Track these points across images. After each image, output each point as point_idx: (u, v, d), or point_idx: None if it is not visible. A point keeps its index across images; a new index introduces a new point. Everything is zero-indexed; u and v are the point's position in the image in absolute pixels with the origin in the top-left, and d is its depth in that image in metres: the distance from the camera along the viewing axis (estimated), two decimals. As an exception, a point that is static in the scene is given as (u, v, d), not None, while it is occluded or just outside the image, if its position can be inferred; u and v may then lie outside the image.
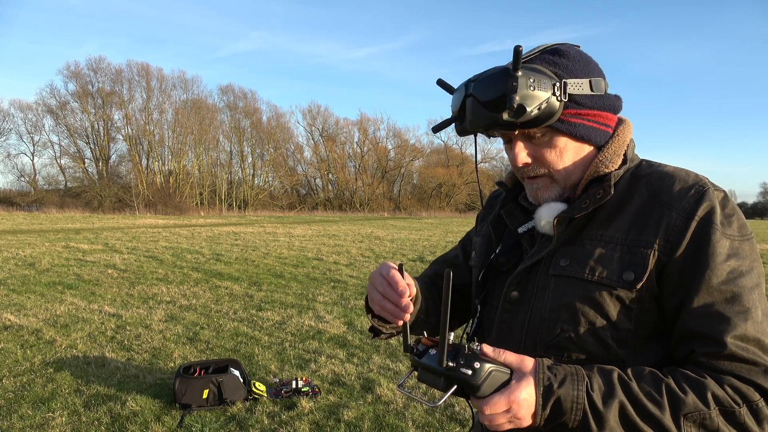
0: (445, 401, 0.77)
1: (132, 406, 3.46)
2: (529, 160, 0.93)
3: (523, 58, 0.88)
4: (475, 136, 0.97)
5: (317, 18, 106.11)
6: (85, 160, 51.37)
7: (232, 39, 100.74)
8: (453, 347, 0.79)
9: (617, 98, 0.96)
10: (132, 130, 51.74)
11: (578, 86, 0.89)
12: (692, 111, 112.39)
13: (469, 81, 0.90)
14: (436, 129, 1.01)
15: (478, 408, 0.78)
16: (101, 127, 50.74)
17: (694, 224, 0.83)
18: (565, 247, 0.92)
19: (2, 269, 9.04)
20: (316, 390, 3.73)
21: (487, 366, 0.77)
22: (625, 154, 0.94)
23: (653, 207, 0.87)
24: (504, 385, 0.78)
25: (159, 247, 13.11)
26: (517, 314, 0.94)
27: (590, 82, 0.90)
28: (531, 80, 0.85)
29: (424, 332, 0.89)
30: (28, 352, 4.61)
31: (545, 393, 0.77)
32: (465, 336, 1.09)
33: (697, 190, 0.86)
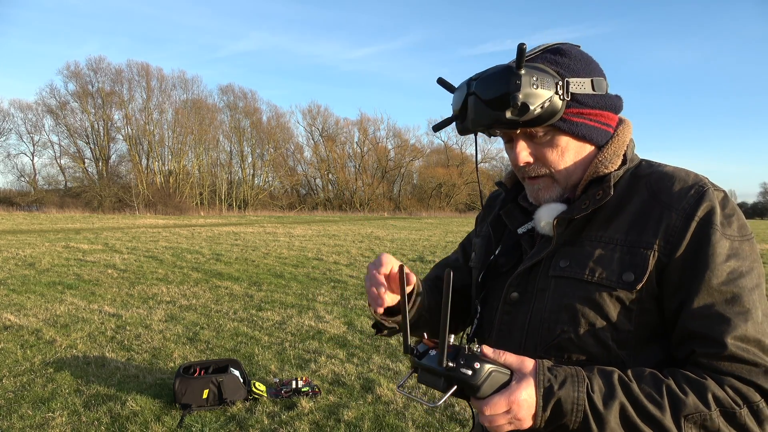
0: (445, 402, 0.77)
1: (132, 406, 3.46)
2: (530, 159, 0.92)
3: (525, 57, 0.87)
4: (476, 135, 0.97)
5: (317, 18, 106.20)
6: (85, 160, 51.43)
7: (232, 39, 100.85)
8: (453, 348, 0.79)
9: (618, 98, 0.95)
10: (132, 130, 51.80)
11: (580, 85, 0.89)
12: (692, 111, 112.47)
13: (471, 79, 0.90)
14: (437, 128, 1.00)
15: (478, 409, 0.78)
16: (101, 127, 50.79)
17: (694, 225, 0.83)
18: (564, 248, 0.92)
19: (2, 269, 9.04)
20: (316, 390, 3.73)
21: (488, 366, 0.77)
22: (624, 155, 0.94)
23: (653, 207, 0.87)
24: (504, 386, 0.77)
25: (159, 247, 13.12)
26: (518, 315, 0.94)
27: (592, 81, 0.90)
28: (534, 78, 0.84)
29: (425, 333, 0.89)
30: (28, 352, 4.61)
31: (546, 394, 0.76)
32: (465, 337, 1.09)
33: (697, 190, 0.85)
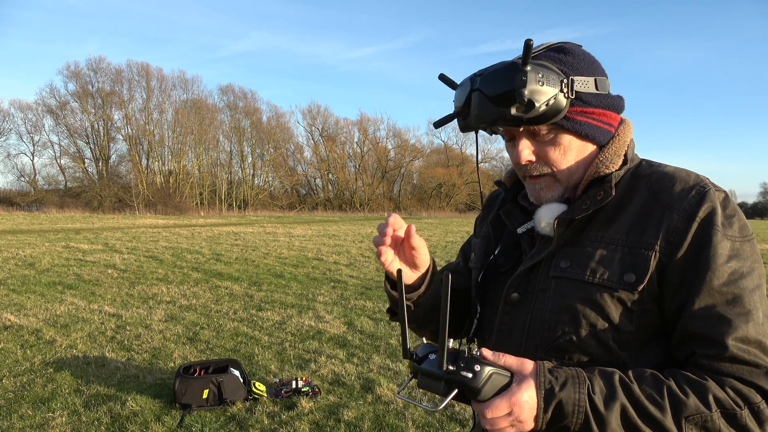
0: (445, 406, 0.76)
1: (132, 406, 3.46)
2: (533, 158, 0.92)
3: (531, 54, 0.87)
4: (476, 133, 0.96)
5: (317, 18, 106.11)
6: (85, 160, 51.41)
7: (232, 39, 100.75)
8: (452, 351, 0.78)
9: (620, 98, 0.95)
10: (132, 130, 51.78)
11: (584, 84, 0.89)
12: (692, 110, 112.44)
13: (475, 75, 0.89)
14: (438, 124, 0.99)
15: (479, 412, 0.77)
16: (101, 127, 50.77)
17: (695, 225, 0.83)
18: (565, 248, 0.91)
19: (2, 269, 9.04)
20: (316, 390, 3.73)
21: (488, 369, 0.76)
22: (625, 155, 0.93)
23: (654, 208, 0.86)
24: (504, 388, 0.77)
25: (159, 247, 13.12)
26: (518, 316, 0.94)
27: (595, 80, 0.90)
28: (540, 75, 0.84)
29: (423, 339, 0.88)
30: (28, 352, 4.61)
31: (546, 396, 0.76)
32: (465, 337, 1.09)
33: (698, 190, 0.85)
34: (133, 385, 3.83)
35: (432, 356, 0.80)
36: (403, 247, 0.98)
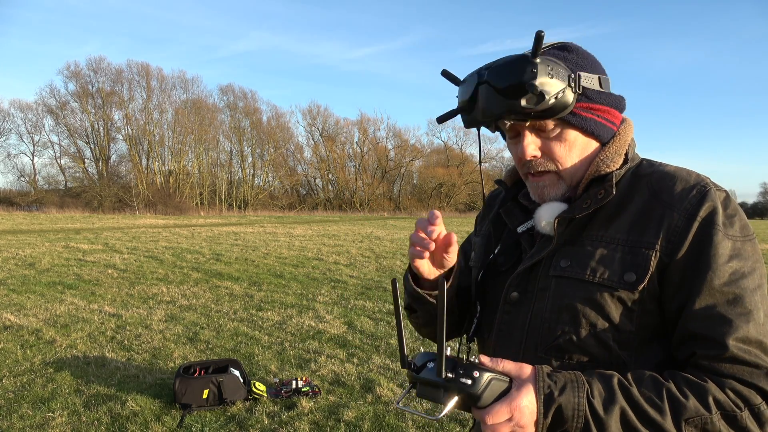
0: (446, 414, 0.76)
1: (132, 406, 3.46)
2: (538, 153, 0.91)
3: (541, 46, 0.86)
4: (479, 131, 0.96)
5: (317, 18, 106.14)
6: (85, 160, 51.42)
7: (232, 39, 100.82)
8: (450, 359, 0.78)
9: (622, 98, 0.95)
10: (132, 130, 51.79)
11: (590, 80, 0.88)
12: (692, 110, 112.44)
13: (482, 69, 0.88)
14: (441, 119, 0.98)
15: (480, 419, 0.76)
16: (101, 127, 50.78)
17: (696, 225, 0.82)
18: (565, 247, 0.91)
19: (2, 269, 9.04)
20: (316, 390, 3.73)
21: (487, 375, 0.76)
22: (626, 154, 0.93)
23: (654, 207, 0.86)
24: (504, 394, 0.77)
25: (159, 247, 13.11)
26: (518, 315, 0.93)
27: (599, 78, 0.90)
28: (549, 68, 0.83)
29: (421, 348, 0.88)
30: (28, 352, 4.61)
31: (546, 401, 0.76)
32: (464, 336, 1.08)
33: (699, 190, 0.85)
34: (133, 385, 3.83)
35: (430, 364, 0.79)
36: (436, 249, 0.93)
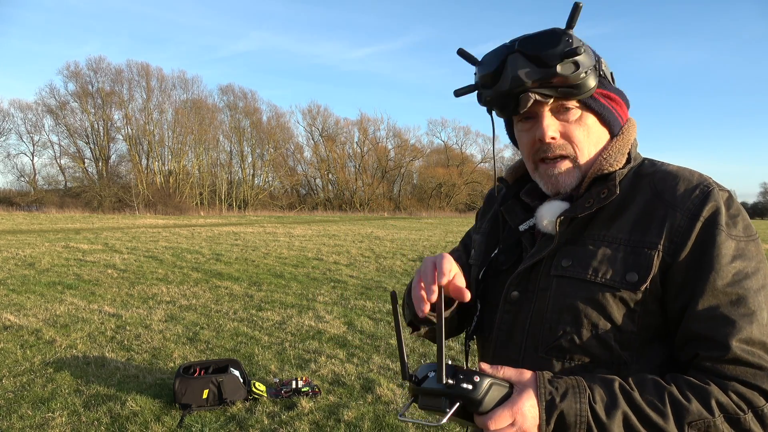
0: (448, 420, 0.75)
1: (132, 406, 3.45)
2: (557, 135, 0.89)
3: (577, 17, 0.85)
4: (491, 113, 0.95)
5: (317, 18, 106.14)
6: (85, 160, 51.41)
7: (232, 39, 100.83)
8: (451, 366, 0.78)
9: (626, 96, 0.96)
10: (132, 130, 51.78)
11: (607, 69, 0.89)
12: (692, 110, 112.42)
13: (512, 40, 0.87)
14: (459, 92, 0.95)
15: (482, 425, 0.76)
16: (101, 127, 50.77)
17: (699, 225, 0.82)
18: (566, 246, 0.90)
19: (2, 269, 9.03)
20: (316, 390, 3.73)
21: (487, 380, 0.76)
22: (629, 153, 0.93)
23: (657, 207, 0.85)
24: (505, 399, 0.76)
25: (159, 247, 13.11)
26: (518, 315, 0.92)
27: (611, 72, 0.90)
28: (581, 42, 0.83)
29: (422, 360, 0.87)
30: (28, 352, 4.61)
31: (548, 408, 0.75)
32: (464, 334, 1.08)
33: (702, 190, 0.84)
34: (133, 385, 3.83)
35: (431, 374, 0.79)
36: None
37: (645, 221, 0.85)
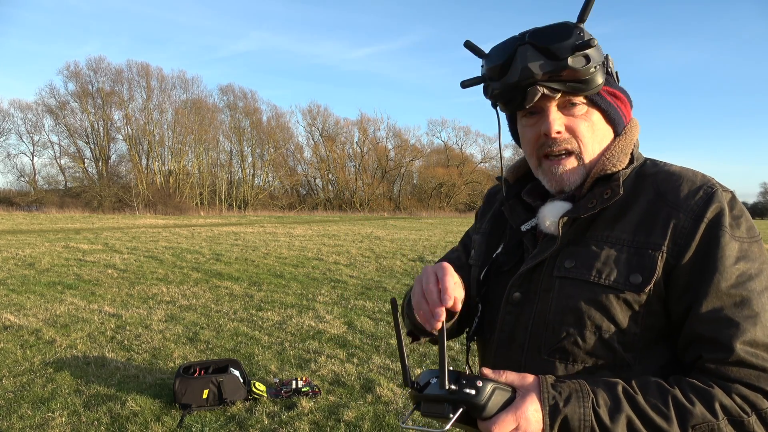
0: (451, 425, 0.75)
1: (132, 406, 3.45)
2: (562, 129, 0.88)
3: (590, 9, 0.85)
4: (496, 108, 0.94)
5: (317, 18, 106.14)
6: (85, 160, 51.40)
7: (232, 39, 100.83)
8: (453, 372, 0.78)
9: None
10: (132, 130, 51.77)
11: (613, 67, 0.89)
12: (692, 110, 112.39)
13: (523, 32, 0.86)
14: (466, 84, 0.94)
15: (486, 431, 0.75)
16: (101, 127, 50.76)
17: (703, 226, 0.81)
18: (569, 247, 0.89)
19: (2, 269, 9.03)
20: (316, 390, 3.72)
21: (490, 384, 0.76)
22: (631, 153, 0.92)
23: (660, 208, 0.85)
24: (508, 403, 0.76)
25: (159, 247, 13.11)
26: (520, 316, 0.92)
27: (616, 72, 0.90)
28: (592, 37, 0.82)
29: (423, 367, 0.87)
30: (28, 352, 4.60)
31: (552, 412, 0.75)
32: (465, 335, 1.07)
33: (706, 191, 0.84)
34: (133, 385, 3.83)
35: (434, 380, 0.78)
36: None
37: (648, 222, 0.85)
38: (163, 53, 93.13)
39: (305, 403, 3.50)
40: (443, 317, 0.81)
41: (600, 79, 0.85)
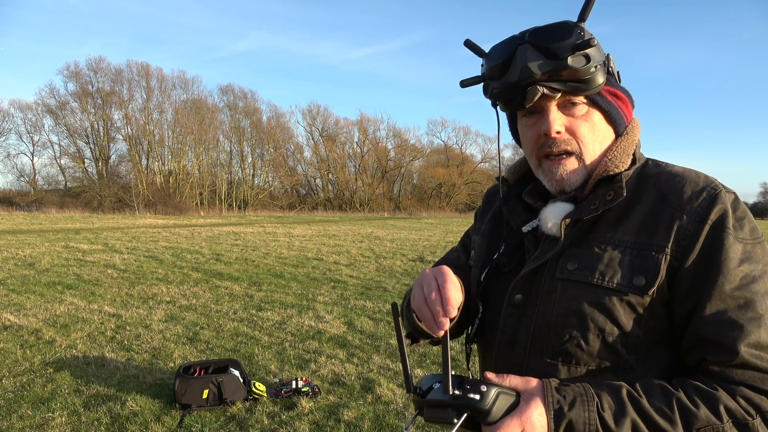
0: (455, 431, 0.75)
1: (132, 406, 3.45)
2: (563, 129, 0.87)
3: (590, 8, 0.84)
4: (496, 108, 0.94)
5: (317, 18, 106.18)
6: (85, 160, 51.39)
7: (232, 39, 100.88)
8: (456, 377, 0.77)
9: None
10: (132, 130, 51.77)
11: (614, 67, 0.88)
12: (692, 110, 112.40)
13: (523, 32, 0.86)
14: (465, 83, 0.93)
15: None
16: (101, 127, 50.76)
17: (706, 228, 0.81)
18: (571, 249, 0.88)
19: (2, 269, 9.03)
20: (316, 390, 3.72)
21: (494, 389, 0.75)
22: (633, 154, 0.91)
23: (663, 209, 0.84)
24: (512, 408, 0.76)
25: (159, 247, 13.11)
26: (522, 318, 0.91)
27: (617, 71, 0.90)
28: (592, 36, 0.82)
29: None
30: (28, 352, 4.60)
31: (556, 417, 0.74)
32: (465, 337, 1.06)
33: (709, 192, 0.83)
34: (133, 385, 3.83)
35: (436, 385, 0.77)
36: None
37: (651, 224, 0.84)
38: (163, 53, 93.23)
39: (305, 403, 3.49)
40: (447, 326, 0.80)
41: (600, 79, 0.84)
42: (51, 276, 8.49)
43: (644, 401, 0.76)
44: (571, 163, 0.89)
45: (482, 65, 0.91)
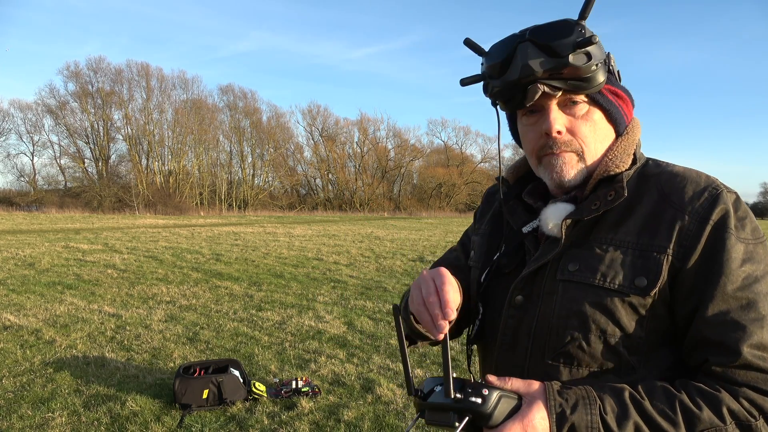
0: None
1: (132, 406, 3.45)
2: (563, 129, 0.87)
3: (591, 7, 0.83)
4: (496, 107, 0.93)
5: (317, 18, 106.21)
6: (85, 160, 51.39)
7: (232, 39, 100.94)
8: (458, 380, 0.77)
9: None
10: (132, 130, 51.77)
11: (615, 66, 0.88)
12: (692, 110, 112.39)
13: (524, 30, 0.85)
14: (465, 82, 0.92)
15: None
16: (101, 127, 50.76)
17: (708, 229, 0.80)
18: (572, 250, 0.88)
19: (2, 269, 9.03)
20: (316, 390, 3.72)
21: (496, 392, 0.75)
22: (633, 154, 0.91)
23: (665, 210, 0.84)
24: (514, 411, 0.75)
25: (159, 247, 13.11)
26: (523, 320, 0.90)
27: (618, 70, 0.89)
28: (593, 34, 0.81)
29: (426, 374, 0.86)
30: (28, 352, 4.60)
31: (559, 420, 0.74)
32: (466, 338, 1.06)
33: (711, 192, 0.83)
34: (133, 385, 3.82)
35: (438, 388, 0.77)
36: None
37: (653, 224, 0.83)
38: (163, 53, 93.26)
39: (305, 403, 3.49)
40: (446, 330, 0.79)
41: (601, 77, 0.83)
42: (51, 276, 8.49)
43: (647, 403, 0.75)
44: (572, 159, 0.89)
45: (482, 64, 0.90)
